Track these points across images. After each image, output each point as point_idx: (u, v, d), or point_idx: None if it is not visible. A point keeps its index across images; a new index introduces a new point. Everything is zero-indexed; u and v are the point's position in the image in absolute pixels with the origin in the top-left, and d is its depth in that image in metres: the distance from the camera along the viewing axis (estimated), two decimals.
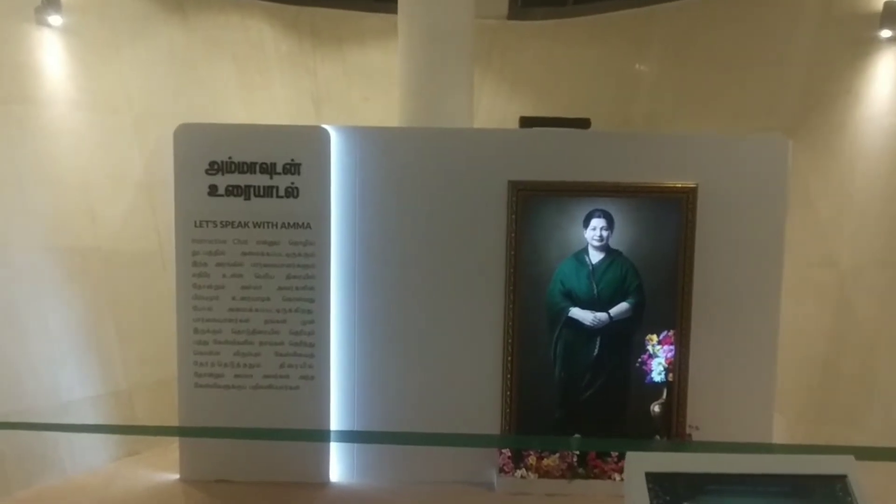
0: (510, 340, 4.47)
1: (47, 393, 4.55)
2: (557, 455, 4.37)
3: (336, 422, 4.53)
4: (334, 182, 4.46)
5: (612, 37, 6.88)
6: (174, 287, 4.48)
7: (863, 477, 1.82)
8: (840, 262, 4.96)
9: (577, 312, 4.49)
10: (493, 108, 6.98)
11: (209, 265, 4.40)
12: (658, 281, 4.44)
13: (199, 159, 4.39)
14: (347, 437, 4.81)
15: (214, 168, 4.40)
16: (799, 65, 5.54)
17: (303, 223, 4.42)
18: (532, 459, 4.38)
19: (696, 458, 1.94)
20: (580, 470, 4.36)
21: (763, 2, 5.94)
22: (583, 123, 4.92)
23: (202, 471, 4.50)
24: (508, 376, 4.49)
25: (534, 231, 4.45)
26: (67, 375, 4.72)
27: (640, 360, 4.49)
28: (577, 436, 4.50)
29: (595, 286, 4.47)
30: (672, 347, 4.45)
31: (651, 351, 4.47)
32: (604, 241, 4.44)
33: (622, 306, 4.48)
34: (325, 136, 4.45)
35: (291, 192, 4.41)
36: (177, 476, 4.54)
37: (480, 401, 4.52)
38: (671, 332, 4.45)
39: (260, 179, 4.40)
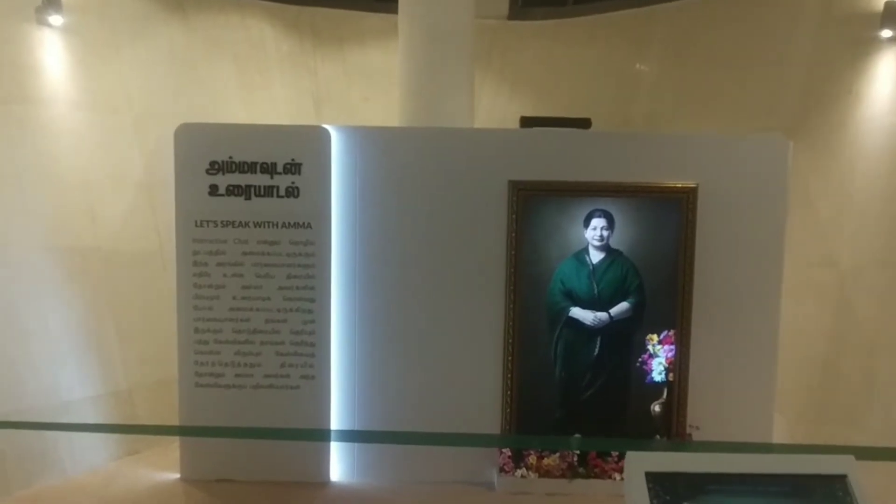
0: (510, 340, 4.47)
1: (47, 392, 4.55)
2: (558, 455, 4.37)
3: (336, 421, 4.54)
4: (335, 182, 4.47)
5: (612, 37, 6.89)
6: (174, 287, 4.48)
7: (863, 477, 1.82)
8: (840, 262, 4.96)
9: (577, 312, 4.49)
10: (494, 108, 6.99)
11: (210, 265, 4.41)
12: (658, 281, 4.45)
13: (199, 159, 4.39)
14: (348, 436, 4.81)
15: (215, 168, 4.40)
16: (799, 65, 5.55)
17: (303, 223, 4.42)
18: (532, 459, 4.38)
19: (696, 457, 1.93)
20: (580, 469, 4.36)
21: (763, 2, 5.94)
22: (583, 123, 4.92)
23: (203, 470, 4.50)
24: (509, 376, 4.49)
25: (534, 231, 4.45)
26: (67, 375, 4.72)
27: (640, 359, 4.49)
28: (577, 435, 4.50)
29: (595, 286, 4.47)
30: (672, 347, 4.45)
31: (651, 351, 4.47)
32: (604, 241, 4.44)
33: (622, 306, 4.48)
34: (325, 136, 4.45)
35: (292, 192, 4.41)
36: (177, 475, 4.55)
37: (481, 400, 4.52)
38: (671, 332, 4.45)
39: (260, 179, 4.40)
